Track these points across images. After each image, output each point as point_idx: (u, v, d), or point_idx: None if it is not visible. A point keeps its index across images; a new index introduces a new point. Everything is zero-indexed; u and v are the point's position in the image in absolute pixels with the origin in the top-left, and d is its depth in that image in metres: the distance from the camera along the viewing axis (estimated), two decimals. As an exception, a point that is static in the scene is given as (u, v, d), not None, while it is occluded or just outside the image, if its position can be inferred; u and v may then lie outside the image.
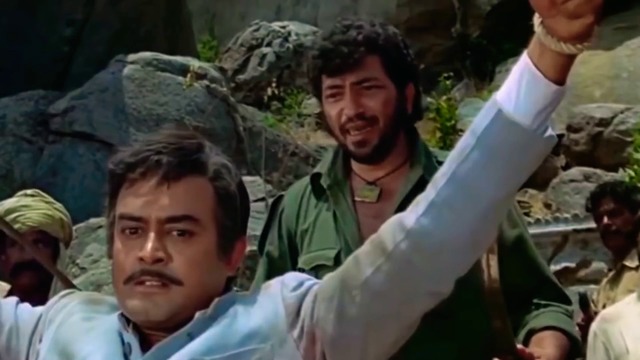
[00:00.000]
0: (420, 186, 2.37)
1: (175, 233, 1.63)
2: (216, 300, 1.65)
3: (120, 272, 1.64)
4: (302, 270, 2.42)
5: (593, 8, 1.41)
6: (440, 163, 2.40)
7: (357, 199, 2.45)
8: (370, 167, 2.45)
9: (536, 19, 1.47)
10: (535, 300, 2.46)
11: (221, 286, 1.69)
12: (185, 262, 1.62)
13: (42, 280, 3.31)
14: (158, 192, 1.63)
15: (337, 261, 2.36)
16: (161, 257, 1.61)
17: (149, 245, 1.61)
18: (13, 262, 3.36)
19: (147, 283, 1.61)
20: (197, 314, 1.63)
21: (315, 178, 2.52)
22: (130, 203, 1.64)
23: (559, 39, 1.44)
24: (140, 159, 1.64)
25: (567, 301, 2.52)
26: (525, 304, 2.46)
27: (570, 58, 1.47)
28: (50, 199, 3.51)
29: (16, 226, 3.33)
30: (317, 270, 2.39)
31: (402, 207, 2.35)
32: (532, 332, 2.41)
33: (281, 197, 2.60)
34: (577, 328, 4.84)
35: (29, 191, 3.53)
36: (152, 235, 1.62)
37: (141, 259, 1.61)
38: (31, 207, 3.40)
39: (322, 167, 2.53)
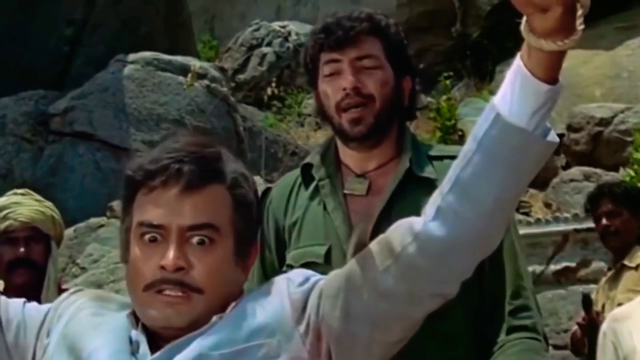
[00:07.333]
0: (407, 179, 2.37)
1: (195, 241, 1.63)
2: (232, 305, 1.66)
3: (139, 278, 1.64)
4: (290, 266, 2.42)
5: (558, 0, 1.41)
6: (431, 157, 2.42)
7: (346, 191, 2.43)
8: (361, 157, 2.43)
9: (523, 19, 1.47)
10: (506, 322, 2.36)
11: (238, 290, 1.71)
12: (205, 271, 1.63)
13: (36, 279, 3.32)
14: (179, 201, 1.63)
15: (328, 258, 2.35)
16: (182, 265, 1.62)
17: (171, 253, 1.62)
18: (6, 259, 3.36)
19: (167, 292, 1.62)
20: (214, 318, 1.64)
21: (306, 168, 2.50)
22: (151, 211, 1.64)
23: (538, 35, 1.44)
24: (161, 166, 1.64)
25: (529, 311, 2.39)
26: (495, 315, 2.37)
27: (556, 56, 1.46)
28: (40, 198, 3.51)
29: (7, 222, 3.35)
30: (307, 268, 2.37)
31: (391, 202, 2.35)
32: None
33: (268, 189, 2.58)
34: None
35: (19, 190, 3.52)
36: (173, 243, 1.62)
37: (162, 267, 1.62)
38: (22, 204, 3.40)
39: (312, 158, 2.51)
